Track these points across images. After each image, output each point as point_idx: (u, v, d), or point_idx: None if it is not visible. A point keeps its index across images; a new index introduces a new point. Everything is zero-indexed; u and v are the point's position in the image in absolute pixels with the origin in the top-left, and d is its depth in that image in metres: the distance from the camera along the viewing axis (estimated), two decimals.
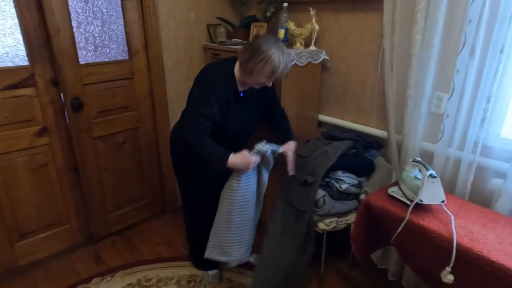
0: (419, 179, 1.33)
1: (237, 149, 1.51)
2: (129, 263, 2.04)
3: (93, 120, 2.00)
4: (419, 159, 1.35)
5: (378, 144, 1.87)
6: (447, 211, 1.26)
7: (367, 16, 1.81)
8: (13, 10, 1.64)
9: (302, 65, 1.91)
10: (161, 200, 2.50)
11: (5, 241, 1.87)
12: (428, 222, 1.23)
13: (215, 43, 2.31)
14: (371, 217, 1.43)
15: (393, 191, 1.40)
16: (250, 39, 2.22)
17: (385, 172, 1.76)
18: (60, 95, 1.87)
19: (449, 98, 1.47)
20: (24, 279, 1.91)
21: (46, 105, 1.84)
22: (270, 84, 1.49)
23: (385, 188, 1.47)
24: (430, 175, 1.23)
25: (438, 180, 1.24)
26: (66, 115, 1.90)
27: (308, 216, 1.64)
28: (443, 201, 1.26)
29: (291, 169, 1.66)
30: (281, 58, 1.37)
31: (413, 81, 1.58)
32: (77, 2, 1.82)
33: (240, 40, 2.26)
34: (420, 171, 1.33)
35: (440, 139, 1.54)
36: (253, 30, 2.20)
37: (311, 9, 1.91)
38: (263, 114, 1.70)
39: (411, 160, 1.39)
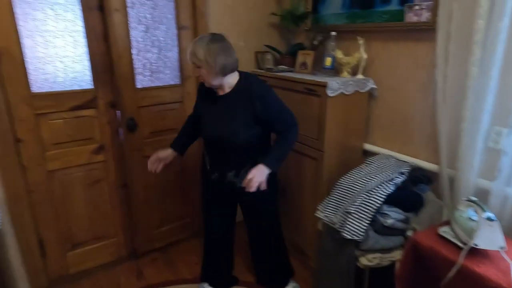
0: (474, 220, 1.24)
1: (217, 160, 1.69)
2: (168, 280, 2.09)
3: (145, 140, 2.12)
4: (475, 199, 1.26)
5: (427, 178, 1.78)
6: (507, 258, 1.16)
7: (418, 45, 1.77)
8: (83, 40, 1.83)
9: (349, 93, 1.90)
10: (201, 220, 2.55)
11: (59, 249, 2.01)
12: (484, 270, 1.13)
13: (262, 69, 2.38)
14: (418, 257, 1.34)
15: (445, 231, 1.32)
16: (296, 66, 2.25)
17: (435, 208, 1.66)
18: (116, 116, 2.02)
19: (509, 134, 1.37)
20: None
21: (104, 125, 1.99)
22: (197, 74, 1.53)
23: (435, 226, 1.38)
24: (488, 218, 1.14)
25: (496, 223, 1.15)
26: (121, 134, 2.04)
27: (350, 249, 1.58)
28: (502, 248, 1.15)
29: (246, 183, 1.52)
30: (190, 45, 1.50)
31: (468, 114, 1.50)
32: (138, 31, 1.98)
33: (287, 67, 2.30)
34: (475, 211, 1.24)
35: (498, 177, 1.43)
36: (300, 58, 2.24)
37: (359, 38, 1.91)
38: (261, 130, 1.60)
39: (465, 199, 1.30)
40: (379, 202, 1.54)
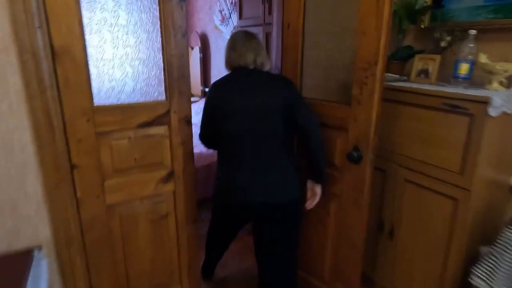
0: None
1: None
2: None
3: None
4: None
5: None
6: None
7: None
8: (159, 38, 1.41)
9: (511, 112, 1.39)
10: None
11: None
12: None
13: None
14: None
15: None
16: (412, 74, 1.76)
17: None
18: (192, 136, 1.60)
19: None
20: None
21: (177, 147, 1.56)
22: None
23: None
24: None
25: None
26: None
27: None
28: None
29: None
30: None
31: None
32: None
33: (397, 76, 1.82)
34: None
35: None
36: (418, 64, 1.75)
37: None
38: None
39: None
40: None
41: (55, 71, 1.23)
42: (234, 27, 3.45)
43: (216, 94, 1.54)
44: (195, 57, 4.27)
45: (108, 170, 1.43)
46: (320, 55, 1.64)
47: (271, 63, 1.97)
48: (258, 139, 1.47)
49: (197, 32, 4.36)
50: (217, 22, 3.92)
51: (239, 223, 1.93)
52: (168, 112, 1.50)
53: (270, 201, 1.49)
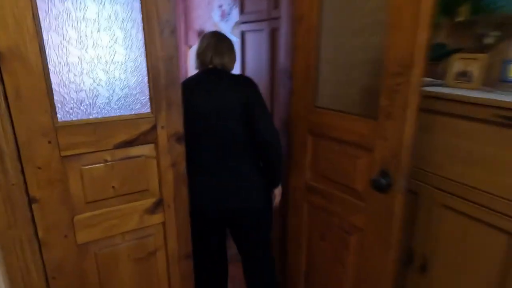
0: None
1: None
2: None
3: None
4: None
5: None
6: None
7: None
8: (141, 35, 1.12)
9: None
10: None
11: None
12: None
13: None
14: None
15: None
16: (449, 77, 1.47)
17: None
18: (184, 156, 1.31)
19: None
20: None
21: (166, 169, 1.27)
22: None
23: None
24: None
25: None
26: None
27: None
28: None
29: None
30: None
31: None
32: None
33: (432, 79, 1.53)
34: None
35: None
36: (455, 65, 1.45)
37: None
38: None
39: None
40: None
41: (1, 80, 0.94)
42: (235, 23, 3.16)
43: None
44: (193, 56, 3.99)
45: (79, 202, 1.15)
46: (340, 55, 1.35)
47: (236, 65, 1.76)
48: (217, 142, 1.45)
49: (196, 29, 4.08)
50: (217, 18, 3.63)
51: (213, 235, 1.70)
52: (154, 128, 1.21)
53: (227, 208, 1.50)
